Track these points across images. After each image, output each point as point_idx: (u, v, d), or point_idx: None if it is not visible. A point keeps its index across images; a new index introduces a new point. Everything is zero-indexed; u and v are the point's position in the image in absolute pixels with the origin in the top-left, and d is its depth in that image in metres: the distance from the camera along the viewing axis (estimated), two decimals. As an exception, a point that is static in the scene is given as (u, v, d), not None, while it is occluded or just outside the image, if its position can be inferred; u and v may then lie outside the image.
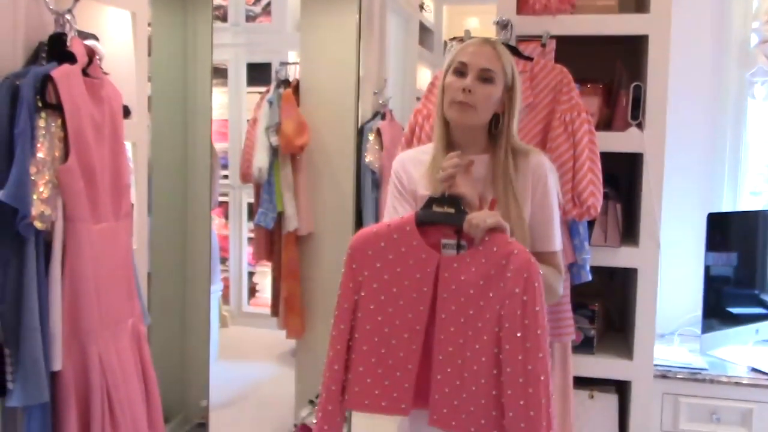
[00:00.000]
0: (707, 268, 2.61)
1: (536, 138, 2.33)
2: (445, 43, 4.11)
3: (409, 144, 2.37)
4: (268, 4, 5.22)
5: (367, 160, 3.53)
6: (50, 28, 1.82)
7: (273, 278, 3.72)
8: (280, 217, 3.59)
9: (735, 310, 2.77)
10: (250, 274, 5.28)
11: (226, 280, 5.30)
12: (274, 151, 3.55)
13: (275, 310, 3.71)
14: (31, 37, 1.80)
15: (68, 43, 1.79)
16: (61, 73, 1.70)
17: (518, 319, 1.68)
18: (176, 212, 3.58)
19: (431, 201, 1.78)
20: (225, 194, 5.26)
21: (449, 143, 1.91)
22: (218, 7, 5.31)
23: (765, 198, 3.08)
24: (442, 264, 1.74)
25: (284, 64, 3.77)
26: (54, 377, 1.73)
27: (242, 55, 5.23)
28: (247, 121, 4.15)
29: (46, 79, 1.67)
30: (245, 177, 3.63)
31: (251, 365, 4.65)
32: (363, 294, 1.79)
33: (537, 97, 2.33)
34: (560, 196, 2.06)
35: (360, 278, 1.79)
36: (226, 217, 5.41)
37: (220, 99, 5.42)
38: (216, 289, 4.58)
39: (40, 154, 1.65)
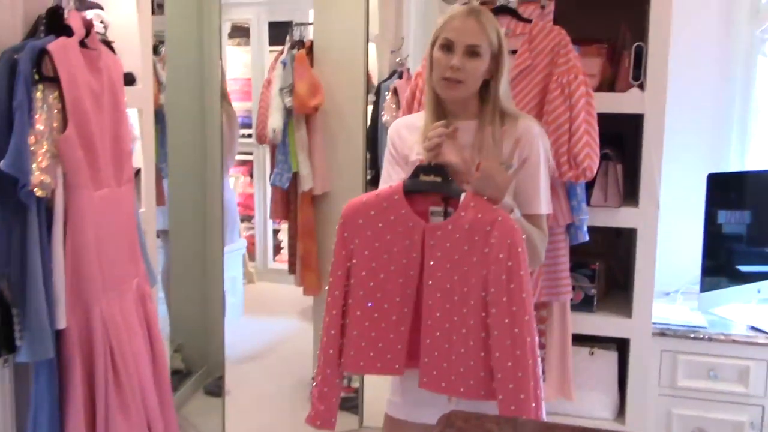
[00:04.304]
0: (707, 228, 2.62)
1: (534, 100, 2.34)
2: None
3: (409, 106, 2.41)
4: (289, -38, 5.23)
5: (384, 119, 3.54)
6: (49, 1, 1.88)
7: (290, 237, 3.79)
8: (295, 177, 3.65)
9: (736, 269, 2.78)
10: (275, 232, 5.39)
11: (251, 237, 5.42)
12: (289, 112, 3.59)
13: (293, 268, 3.80)
14: (30, 11, 1.86)
15: (65, 16, 1.85)
16: (57, 46, 1.77)
17: (504, 284, 1.74)
18: (195, 171, 3.67)
19: (418, 170, 1.83)
20: (249, 153, 5.35)
21: (441, 111, 1.94)
22: (239, -33, 5.34)
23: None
24: (426, 232, 1.80)
25: (298, 25, 3.78)
26: (59, 335, 1.83)
27: (264, 14, 5.27)
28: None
29: (43, 53, 1.74)
30: (261, 138, 3.68)
31: (276, 320, 4.79)
32: (355, 261, 1.86)
33: (535, 60, 2.34)
34: (552, 161, 2.08)
35: (352, 246, 1.86)
36: (251, 175, 5.51)
37: (243, 58, 5.48)
38: (238, 246, 4.70)
39: (38, 126, 1.73)
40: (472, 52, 1.84)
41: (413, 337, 1.85)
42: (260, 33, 5.28)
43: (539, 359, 1.82)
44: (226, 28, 5.41)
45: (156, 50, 3.29)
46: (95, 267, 1.87)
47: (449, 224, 1.79)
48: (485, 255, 1.75)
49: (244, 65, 5.45)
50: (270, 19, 5.24)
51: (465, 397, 1.82)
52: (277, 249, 5.39)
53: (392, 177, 2.00)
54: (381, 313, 1.85)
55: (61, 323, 1.81)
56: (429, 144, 1.82)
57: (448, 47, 1.85)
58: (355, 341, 1.87)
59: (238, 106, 5.11)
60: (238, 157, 5.17)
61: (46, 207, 1.79)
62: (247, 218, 5.48)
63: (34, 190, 1.72)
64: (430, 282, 1.81)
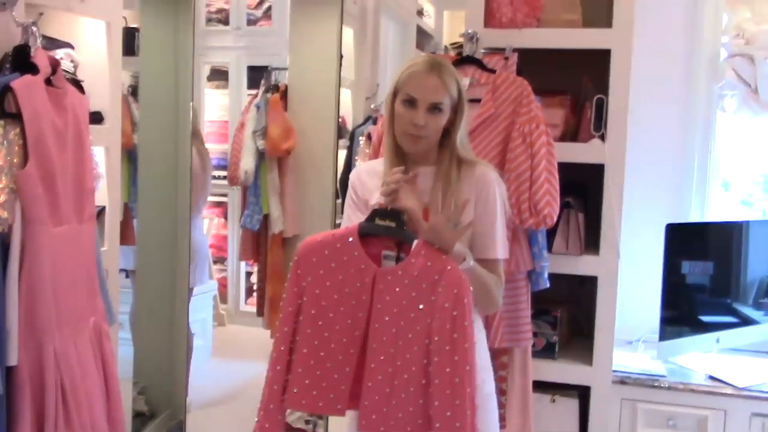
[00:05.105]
0: (667, 277, 2.65)
1: (497, 148, 2.39)
2: (446, 47, 4.18)
3: (376, 150, 2.45)
4: (269, 8, 5.32)
5: (357, 164, 3.59)
6: (17, 40, 1.90)
7: (259, 279, 3.80)
8: (266, 220, 3.67)
9: (697, 318, 2.81)
10: (248, 274, 5.38)
11: (223, 279, 5.40)
12: (261, 155, 3.63)
13: (261, 310, 3.79)
14: (-3, 49, 1.89)
15: (32, 54, 1.88)
16: (21, 83, 1.78)
17: (447, 333, 1.75)
18: (166, 211, 3.66)
19: (375, 213, 1.85)
20: (224, 195, 5.36)
21: (400, 157, 1.97)
22: (220, 11, 5.43)
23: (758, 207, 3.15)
24: (377, 276, 1.81)
25: (274, 69, 3.84)
26: (10, 372, 1.80)
27: (243, 58, 5.34)
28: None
29: (6, 90, 1.75)
30: (232, 180, 3.71)
31: (244, 364, 4.73)
32: (306, 299, 1.86)
33: (498, 109, 2.39)
34: (508, 207, 2.11)
35: (304, 284, 1.86)
36: (225, 217, 5.51)
37: (221, 101, 5.53)
38: (209, 288, 4.68)
39: (-2, 161, 1.75)
40: (435, 108, 1.88)
41: (359, 378, 1.85)
42: (239, 76, 5.35)
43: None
44: (206, 71, 5.48)
45: (134, 91, 3.33)
46: (50, 303, 1.86)
47: (399, 270, 1.80)
48: (432, 303, 1.77)
49: (222, 108, 5.49)
50: (249, 63, 5.31)
51: None
52: (249, 291, 5.37)
53: (353, 221, 2.02)
54: (327, 353, 1.85)
55: (13, 360, 1.78)
56: (386, 189, 1.84)
57: (410, 102, 1.89)
58: (300, 378, 1.86)
59: (215, 148, 5.14)
60: (214, 199, 5.18)
61: (2, 242, 1.79)
62: (220, 260, 5.47)
63: (-9, 224, 1.72)
64: (377, 325, 1.81)
